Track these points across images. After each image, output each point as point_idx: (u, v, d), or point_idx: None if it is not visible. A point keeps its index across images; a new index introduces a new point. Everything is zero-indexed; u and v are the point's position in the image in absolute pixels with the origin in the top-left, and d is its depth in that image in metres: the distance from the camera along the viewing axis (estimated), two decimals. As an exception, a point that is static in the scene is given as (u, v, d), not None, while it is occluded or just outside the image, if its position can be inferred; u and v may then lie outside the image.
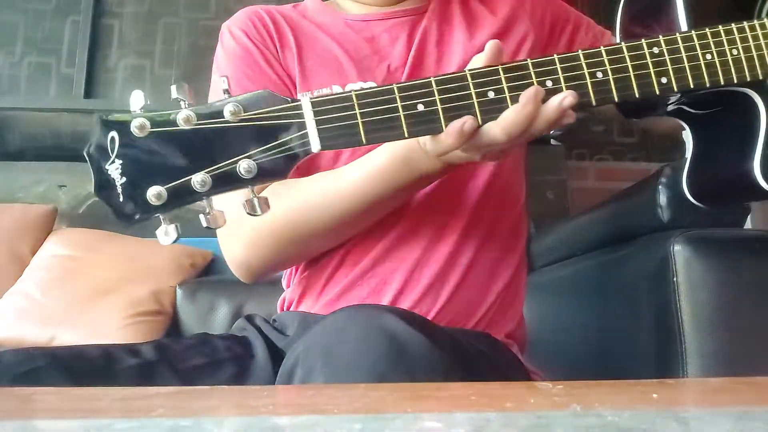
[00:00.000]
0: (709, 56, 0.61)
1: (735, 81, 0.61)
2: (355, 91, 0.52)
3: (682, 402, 0.41)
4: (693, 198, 0.69)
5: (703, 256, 0.87)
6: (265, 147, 0.49)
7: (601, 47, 0.58)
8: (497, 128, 0.54)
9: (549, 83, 0.56)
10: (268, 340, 0.80)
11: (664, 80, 0.59)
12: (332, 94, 0.52)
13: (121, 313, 1.67)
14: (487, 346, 0.74)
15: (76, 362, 0.67)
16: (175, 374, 0.71)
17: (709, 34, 0.61)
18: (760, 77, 0.62)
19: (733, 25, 0.62)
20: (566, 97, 0.55)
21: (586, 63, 0.57)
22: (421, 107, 0.53)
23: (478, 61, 0.58)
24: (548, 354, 1.33)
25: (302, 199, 0.72)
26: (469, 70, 0.55)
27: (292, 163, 0.50)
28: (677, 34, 0.61)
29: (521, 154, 0.89)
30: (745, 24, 0.62)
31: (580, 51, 0.58)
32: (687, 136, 0.70)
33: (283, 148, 0.50)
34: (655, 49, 0.59)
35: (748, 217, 0.96)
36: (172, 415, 0.35)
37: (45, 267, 1.81)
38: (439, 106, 0.54)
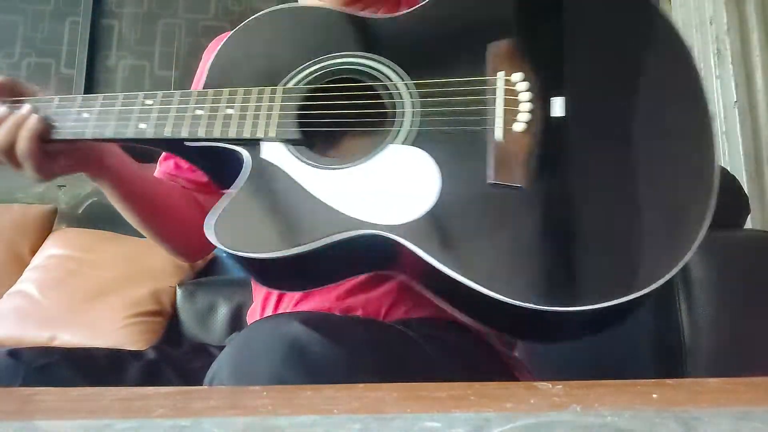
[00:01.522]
0: (200, 111, 0.65)
1: (228, 136, 0.64)
2: None
3: (682, 402, 0.41)
4: None
5: (703, 256, 0.87)
6: None
7: (101, 96, 0.68)
8: None
9: None
10: None
11: (142, 126, 0.66)
12: None
13: (120, 313, 1.67)
14: (451, 333, 0.73)
15: (86, 361, 0.70)
16: (179, 374, 0.72)
17: (210, 93, 0.66)
18: (250, 136, 0.63)
19: (239, 89, 0.66)
20: None
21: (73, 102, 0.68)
22: None
23: None
24: (547, 354, 1.33)
25: None
26: None
27: None
28: (181, 92, 0.67)
29: None
30: (254, 89, 0.66)
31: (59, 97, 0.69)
32: None
33: None
34: (149, 101, 0.66)
35: (748, 217, 0.96)
36: (172, 415, 0.35)
37: (45, 267, 1.81)
38: None
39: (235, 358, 0.55)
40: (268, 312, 0.82)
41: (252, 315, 0.89)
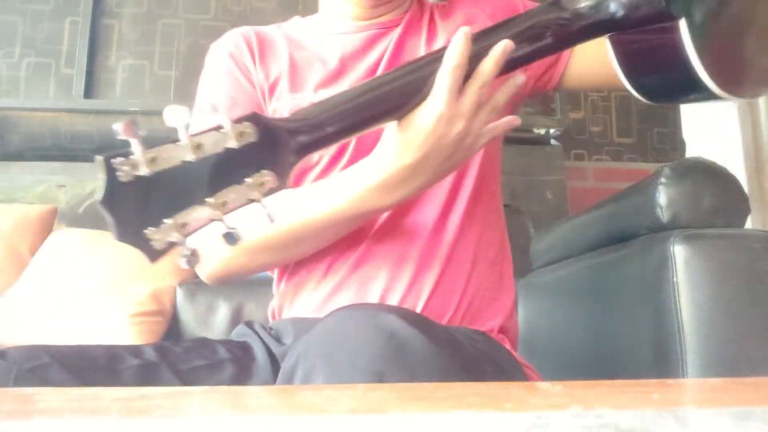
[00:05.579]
0: None
1: None
2: None
3: (682, 402, 0.41)
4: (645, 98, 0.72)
5: (703, 256, 0.87)
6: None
7: None
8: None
9: None
10: (267, 347, 0.80)
11: None
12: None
13: (121, 314, 1.67)
14: (484, 345, 0.75)
15: (79, 360, 0.68)
16: (177, 375, 0.72)
17: None
18: None
19: None
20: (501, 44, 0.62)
21: None
22: None
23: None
24: (548, 354, 1.33)
25: (292, 218, 0.73)
26: None
27: None
28: None
29: (495, 147, 0.90)
30: None
31: None
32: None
33: None
34: None
35: (748, 217, 0.96)
36: (172, 415, 0.35)
37: (45, 267, 1.81)
38: None
39: (328, 344, 0.53)
40: (296, 308, 0.82)
41: (276, 310, 0.88)
